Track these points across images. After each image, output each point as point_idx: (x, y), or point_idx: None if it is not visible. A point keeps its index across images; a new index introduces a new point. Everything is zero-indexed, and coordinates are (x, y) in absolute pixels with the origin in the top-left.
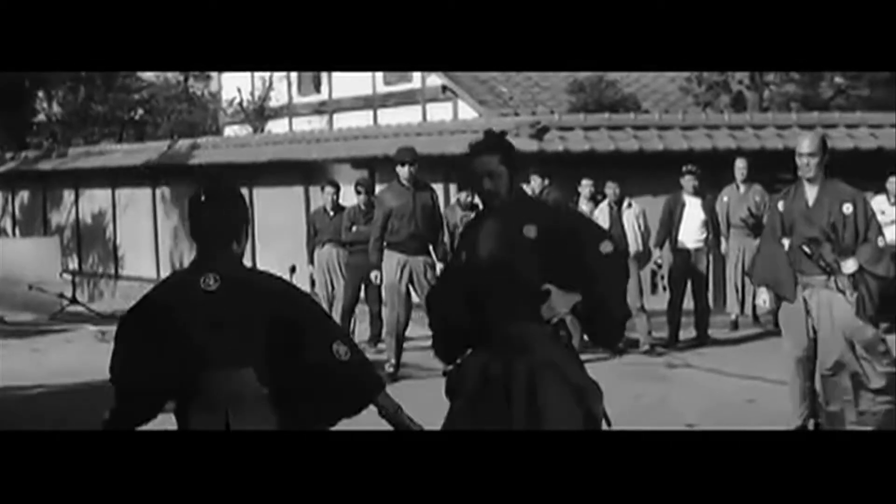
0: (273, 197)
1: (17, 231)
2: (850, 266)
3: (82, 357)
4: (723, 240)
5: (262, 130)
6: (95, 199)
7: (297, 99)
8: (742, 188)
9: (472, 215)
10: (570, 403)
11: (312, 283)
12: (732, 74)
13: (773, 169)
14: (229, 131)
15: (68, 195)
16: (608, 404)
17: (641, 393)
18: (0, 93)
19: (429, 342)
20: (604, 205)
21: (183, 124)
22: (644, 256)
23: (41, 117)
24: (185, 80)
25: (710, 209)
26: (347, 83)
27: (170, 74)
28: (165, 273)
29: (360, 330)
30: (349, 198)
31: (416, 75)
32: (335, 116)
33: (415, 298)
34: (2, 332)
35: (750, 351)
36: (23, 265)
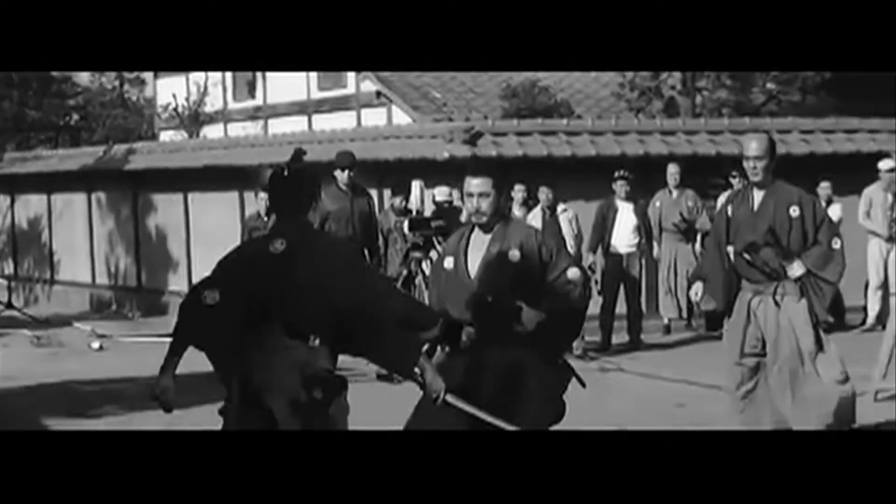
0: (208, 202)
1: None
2: (795, 270)
3: (18, 362)
4: (655, 244)
5: (198, 136)
6: (31, 205)
7: (232, 104)
8: (675, 193)
9: (405, 221)
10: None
11: None
12: (665, 80)
13: (706, 174)
14: (164, 136)
15: (3, 200)
16: None
17: (574, 397)
18: None
19: None
20: (537, 210)
21: (118, 130)
22: (577, 261)
23: None
24: (121, 85)
25: (642, 214)
26: (282, 89)
27: (105, 80)
28: (101, 278)
29: None
30: None
31: (351, 81)
32: (270, 122)
33: None
34: None
35: (682, 355)
36: None
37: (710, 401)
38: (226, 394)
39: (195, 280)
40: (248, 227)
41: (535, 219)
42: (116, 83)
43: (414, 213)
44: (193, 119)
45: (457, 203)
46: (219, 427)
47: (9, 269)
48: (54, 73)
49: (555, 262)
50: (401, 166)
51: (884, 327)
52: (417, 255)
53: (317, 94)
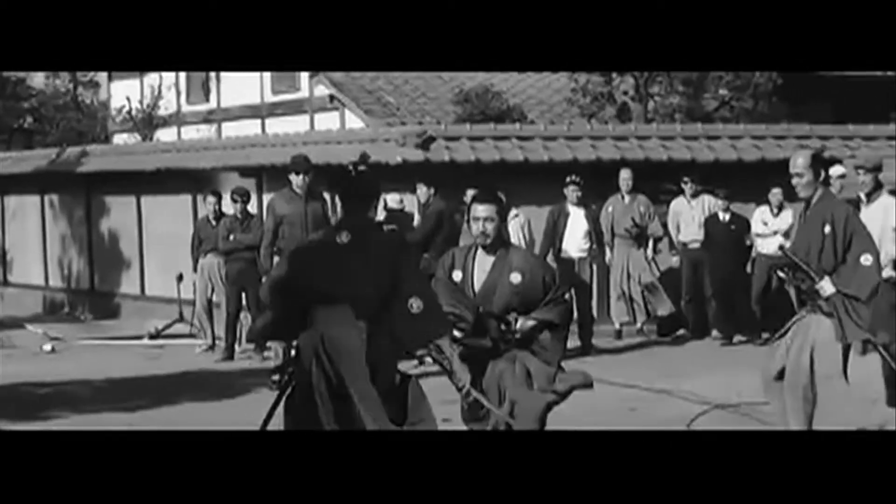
0: (161, 205)
1: None
2: (825, 289)
3: None
4: (608, 249)
5: (151, 139)
6: None
7: (186, 107)
8: (627, 198)
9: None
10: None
11: (194, 290)
12: (617, 86)
13: (658, 179)
14: (118, 139)
15: None
16: None
17: None
18: None
19: None
20: None
21: (72, 132)
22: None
23: None
24: (75, 88)
25: (593, 219)
26: (236, 92)
27: (59, 82)
28: (54, 280)
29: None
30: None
31: (304, 85)
32: (223, 125)
33: None
34: None
35: (633, 360)
36: None
37: (661, 405)
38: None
39: (147, 283)
40: (198, 231)
41: None
42: (70, 86)
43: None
44: (147, 122)
45: (408, 209)
46: (171, 427)
47: None
48: (8, 75)
49: (557, 284)
50: None
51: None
52: None
53: (270, 98)
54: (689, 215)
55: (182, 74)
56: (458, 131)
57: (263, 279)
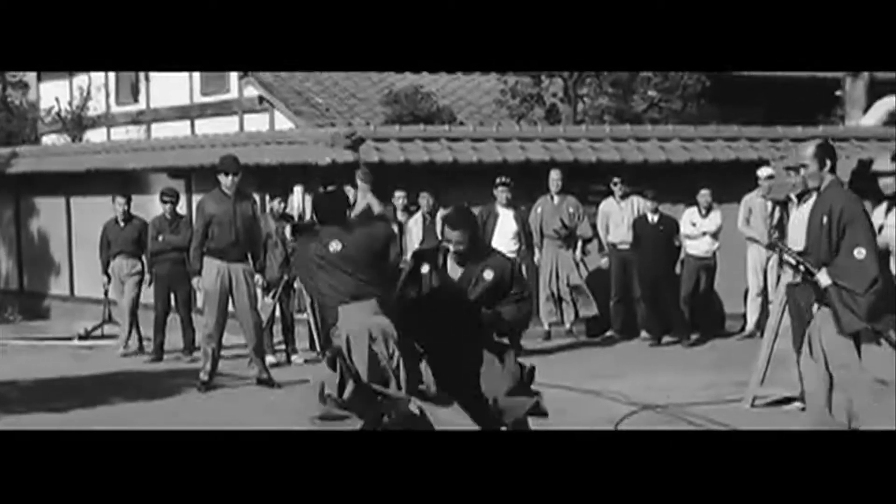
0: (90, 206)
1: None
2: (822, 280)
3: None
4: (536, 250)
5: (80, 140)
6: None
7: (115, 108)
8: (556, 199)
9: (287, 226)
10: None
11: (105, 292)
12: (546, 87)
13: (587, 180)
14: (47, 140)
15: None
16: None
17: None
18: None
19: (244, 350)
20: (418, 215)
21: (1, 133)
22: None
23: None
24: (3, 89)
25: (522, 220)
26: (165, 93)
27: None
28: None
29: (174, 339)
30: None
31: (234, 85)
32: (153, 126)
33: (230, 307)
34: None
35: (562, 361)
36: None
37: (589, 406)
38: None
39: (77, 283)
40: (106, 233)
41: (416, 224)
42: None
43: (296, 218)
44: (76, 123)
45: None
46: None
47: None
48: None
49: (519, 282)
50: (283, 171)
51: (762, 334)
52: None
53: (200, 99)
54: (618, 216)
55: (111, 75)
56: (388, 132)
57: (193, 280)
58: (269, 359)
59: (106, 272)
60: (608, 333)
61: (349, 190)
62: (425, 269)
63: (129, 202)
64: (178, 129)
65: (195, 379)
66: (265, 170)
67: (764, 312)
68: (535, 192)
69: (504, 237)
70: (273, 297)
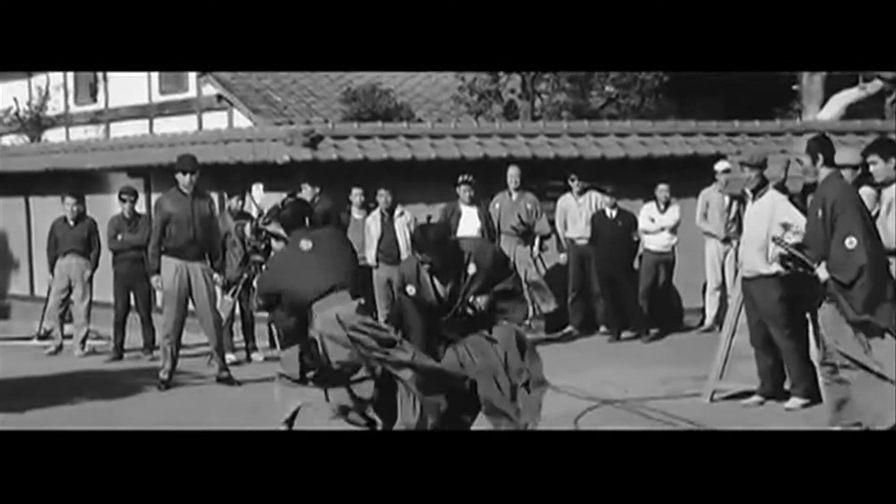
0: (49, 206)
1: None
2: (820, 273)
3: None
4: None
5: (39, 140)
6: None
7: (74, 108)
8: (514, 196)
9: (247, 225)
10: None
11: (48, 290)
12: (504, 83)
13: (545, 177)
14: (5, 140)
15: None
16: None
17: None
18: None
19: (204, 349)
20: (376, 212)
21: None
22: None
23: None
24: None
25: (486, 217)
26: (123, 92)
27: None
28: None
29: (134, 338)
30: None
31: (192, 84)
32: (111, 125)
33: (189, 306)
34: None
35: None
36: None
37: (548, 402)
38: None
39: (37, 283)
40: (53, 231)
41: (374, 221)
42: None
43: (255, 215)
44: (35, 123)
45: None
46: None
47: None
48: None
49: (500, 274)
50: (241, 169)
51: (721, 328)
52: (258, 258)
53: (158, 98)
54: (576, 212)
55: (70, 75)
56: (346, 130)
57: (152, 279)
58: (229, 357)
59: (52, 271)
60: (567, 329)
61: (306, 188)
62: (411, 289)
63: (79, 202)
64: (136, 129)
65: (155, 378)
66: (223, 168)
67: (722, 307)
68: (494, 189)
69: (468, 234)
70: (232, 296)
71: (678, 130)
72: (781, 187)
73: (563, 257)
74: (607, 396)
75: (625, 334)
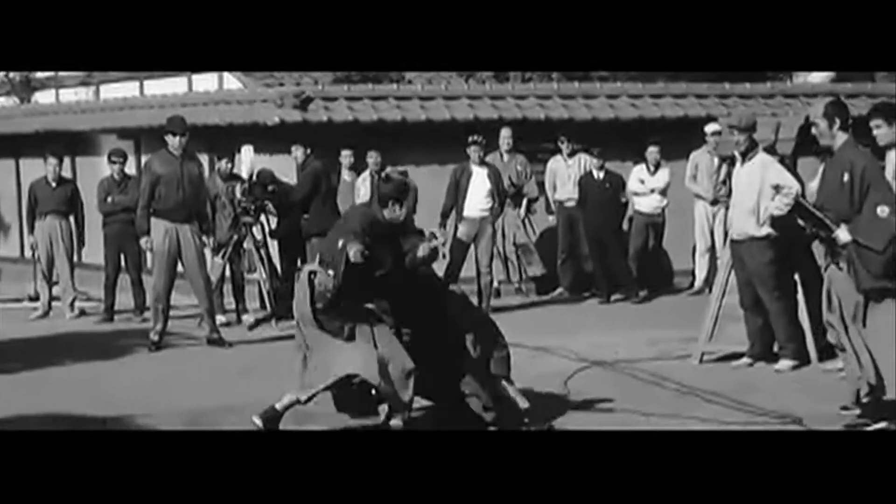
0: (40, 168)
1: None
2: (841, 237)
3: None
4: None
5: (29, 101)
6: None
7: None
8: (505, 157)
9: (238, 186)
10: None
11: (32, 252)
12: None
13: (535, 139)
14: None
15: None
16: None
17: None
18: None
19: (194, 310)
20: (365, 174)
21: None
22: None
23: None
24: None
25: (496, 178)
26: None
27: None
28: None
29: (125, 300)
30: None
31: None
32: (102, 87)
33: (179, 267)
34: None
35: (511, 318)
36: None
37: (538, 362)
38: None
39: (27, 245)
40: (33, 192)
41: (364, 183)
42: None
43: (245, 177)
44: (25, 85)
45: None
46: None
47: None
48: None
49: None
50: (231, 131)
51: (711, 290)
52: (248, 219)
53: None
54: (564, 174)
55: None
56: (336, 92)
57: (142, 240)
58: (220, 318)
59: (31, 231)
60: (557, 291)
61: (297, 149)
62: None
63: (61, 162)
64: (126, 91)
65: (145, 339)
66: (213, 130)
67: (712, 269)
68: (484, 150)
69: (478, 195)
70: (223, 258)
71: (669, 92)
72: (771, 150)
73: (552, 219)
74: (598, 358)
75: (614, 296)
